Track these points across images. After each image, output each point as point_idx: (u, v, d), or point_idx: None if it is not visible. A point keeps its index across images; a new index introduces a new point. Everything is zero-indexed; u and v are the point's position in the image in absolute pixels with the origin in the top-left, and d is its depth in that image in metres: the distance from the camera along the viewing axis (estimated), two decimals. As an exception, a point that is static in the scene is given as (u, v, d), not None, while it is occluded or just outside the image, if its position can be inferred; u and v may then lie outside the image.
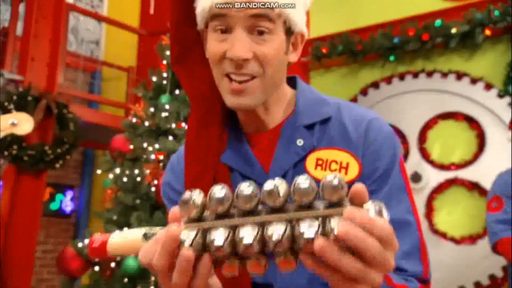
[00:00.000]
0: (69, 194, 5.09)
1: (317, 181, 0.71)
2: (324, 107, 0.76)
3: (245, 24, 0.67)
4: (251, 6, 0.66)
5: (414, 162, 3.30)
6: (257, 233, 0.44)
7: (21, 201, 3.37)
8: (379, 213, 0.43)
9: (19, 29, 3.72)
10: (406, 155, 3.35)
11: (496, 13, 2.96)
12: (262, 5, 0.66)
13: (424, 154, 3.30)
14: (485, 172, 3.03)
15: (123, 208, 2.63)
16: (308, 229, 0.42)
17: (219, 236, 0.44)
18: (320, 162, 0.71)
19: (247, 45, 0.67)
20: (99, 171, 3.07)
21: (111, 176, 2.77)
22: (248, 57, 0.67)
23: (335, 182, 0.42)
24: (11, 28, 3.76)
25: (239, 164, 0.75)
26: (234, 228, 0.45)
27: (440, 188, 3.20)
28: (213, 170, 0.74)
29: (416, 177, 3.26)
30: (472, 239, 3.04)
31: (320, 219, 0.43)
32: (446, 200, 3.19)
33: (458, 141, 3.21)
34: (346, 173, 0.70)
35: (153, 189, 2.49)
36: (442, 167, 3.23)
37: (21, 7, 3.74)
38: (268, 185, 0.44)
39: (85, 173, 5.23)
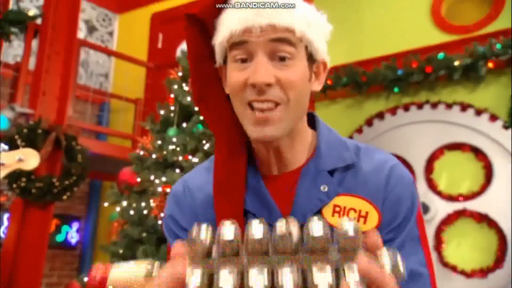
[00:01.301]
0: (75, 225, 5.08)
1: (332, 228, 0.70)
2: (346, 152, 0.73)
3: (266, 50, 0.65)
4: (272, 30, 0.65)
5: (421, 193, 3.28)
6: (268, 280, 0.42)
7: (28, 233, 3.37)
8: (396, 267, 0.43)
9: (31, 64, 3.82)
10: (413, 186, 3.33)
11: (498, 46, 3.00)
12: (282, 28, 0.65)
13: (431, 185, 3.29)
14: (493, 204, 3.00)
15: (129, 241, 2.62)
16: (321, 280, 0.41)
17: (227, 281, 0.43)
18: (337, 209, 0.68)
19: (269, 69, 0.65)
20: (106, 204, 3.08)
21: (118, 209, 2.78)
22: (271, 81, 0.65)
23: (351, 233, 0.42)
24: (24, 63, 3.86)
25: (256, 208, 0.71)
26: (242, 272, 0.44)
27: (449, 220, 3.17)
28: (242, 212, 0.70)
29: (424, 208, 3.23)
30: (483, 272, 2.98)
31: (334, 271, 0.42)
32: (455, 232, 3.15)
33: (465, 172, 3.20)
34: (365, 222, 0.67)
35: (159, 222, 2.48)
36: (450, 198, 3.20)
37: (34, 43, 3.86)
38: (280, 228, 0.44)
39: (92, 204, 5.23)
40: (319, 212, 0.69)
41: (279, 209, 0.70)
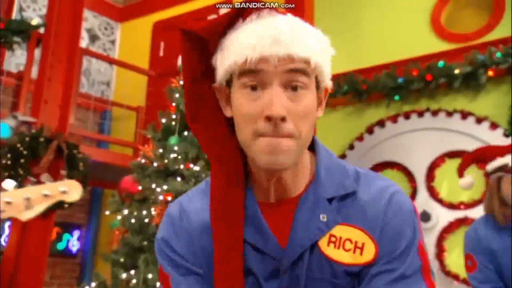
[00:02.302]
0: (76, 233, 5.08)
1: (330, 260, 0.64)
2: (346, 179, 0.70)
3: (281, 80, 0.63)
4: (289, 61, 0.62)
5: (423, 201, 3.27)
6: None
7: (29, 241, 3.37)
8: None
9: (34, 72, 3.84)
10: (414, 194, 3.33)
11: (498, 54, 3.02)
12: (299, 59, 0.63)
13: (432, 193, 3.28)
14: (495, 212, 2.99)
15: (130, 250, 2.61)
16: None
17: None
18: (333, 239, 0.66)
19: (284, 102, 0.62)
20: (107, 212, 3.08)
21: (119, 217, 2.78)
22: (285, 115, 0.62)
23: None
24: (26, 72, 3.89)
25: (252, 237, 0.68)
26: None
27: (451, 228, 3.16)
28: (241, 243, 0.67)
29: (425, 216, 3.22)
30: (485, 281, 2.96)
31: None
32: (456, 240, 3.14)
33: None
34: (361, 254, 0.66)
35: (160, 230, 2.48)
36: (451, 206, 3.20)
37: (37, 52, 3.89)
38: None
39: (93, 212, 5.23)
40: (316, 242, 0.67)
41: (276, 238, 0.68)
